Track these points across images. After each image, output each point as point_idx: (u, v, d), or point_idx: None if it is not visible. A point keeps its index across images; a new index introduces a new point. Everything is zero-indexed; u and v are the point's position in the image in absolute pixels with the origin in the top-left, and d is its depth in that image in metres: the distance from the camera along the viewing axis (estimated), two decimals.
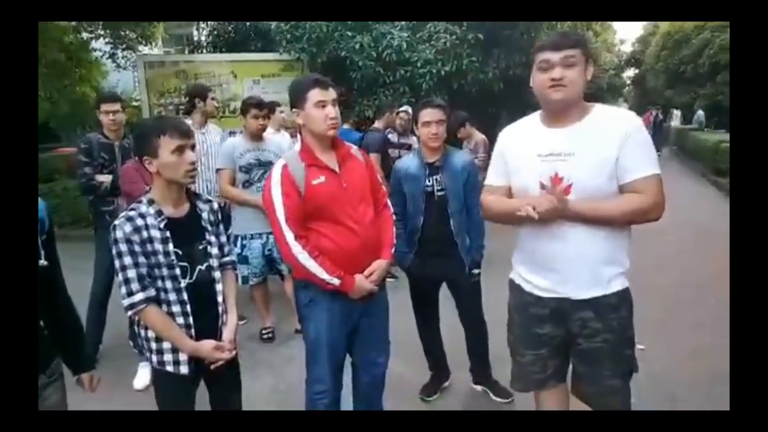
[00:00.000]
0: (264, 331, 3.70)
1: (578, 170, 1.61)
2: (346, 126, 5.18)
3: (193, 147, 1.72)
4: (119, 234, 1.64)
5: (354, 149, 2.16)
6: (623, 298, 1.72)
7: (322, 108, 1.95)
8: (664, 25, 21.04)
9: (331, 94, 1.98)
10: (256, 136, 3.48)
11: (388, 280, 3.10)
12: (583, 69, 1.61)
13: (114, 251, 1.65)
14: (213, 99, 3.92)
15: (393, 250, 2.19)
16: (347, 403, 2.27)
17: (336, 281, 1.96)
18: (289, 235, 1.93)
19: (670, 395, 2.79)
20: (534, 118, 1.79)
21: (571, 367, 1.84)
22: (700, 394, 2.79)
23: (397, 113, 4.98)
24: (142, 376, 3.05)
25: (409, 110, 5.00)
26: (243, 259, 3.48)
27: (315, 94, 1.95)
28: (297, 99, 1.99)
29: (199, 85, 4.49)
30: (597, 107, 1.69)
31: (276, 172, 1.98)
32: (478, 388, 2.88)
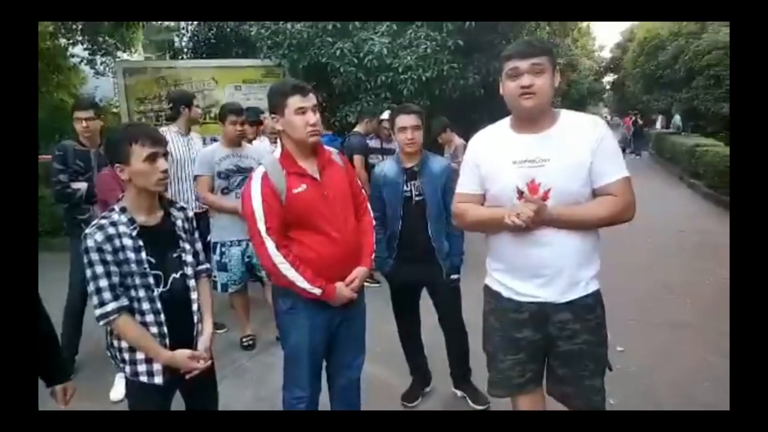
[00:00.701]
0: (245, 339, 3.67)
1: (555, 176, 1.63)
2: (328, 132, 5.21)
3: (165, 155, 1.71)
4: (90, 243, 1.61)
5: (334, 154, 2.15)
6: (597, 298, 1.76)
7: (302, 115, 1.93)
8: (640, 32, 21.50)
9: (311, 100, 1.96)
10: (235, 143, 3.46)
11: (371, 285, 3.10)
12: (551, 76, 1.64)
13: (85, 260, 1.63)
14: (197, 106, 3.92)
15: (373, 256, 2.20)
16: None
17: (317, 291, 1.95)
18: (270, 245, 1.91)
19: (647, 394, 2.84)
20: (503, 125, 1.80)
21: (546, 369, 1.86)
22: (677, 393, 2.85)
23: (380, 122, 5.00)
24: (119, 387, 2.99)
25: (387, 113, 5.04)
26: (222, 267, 3.45)
27: (295, 101, 1.92)
28: (276, 105, 1.96)
29: (184, 91, 4.47)
30: (563, 113, 1.73)
31: (256, 181, 1.95)
32: (459, 392, 2.88)
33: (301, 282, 1.93)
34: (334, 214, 2.00)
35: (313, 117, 1.95)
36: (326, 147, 2.13)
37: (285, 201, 1.92)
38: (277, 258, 1.91)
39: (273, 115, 2.01)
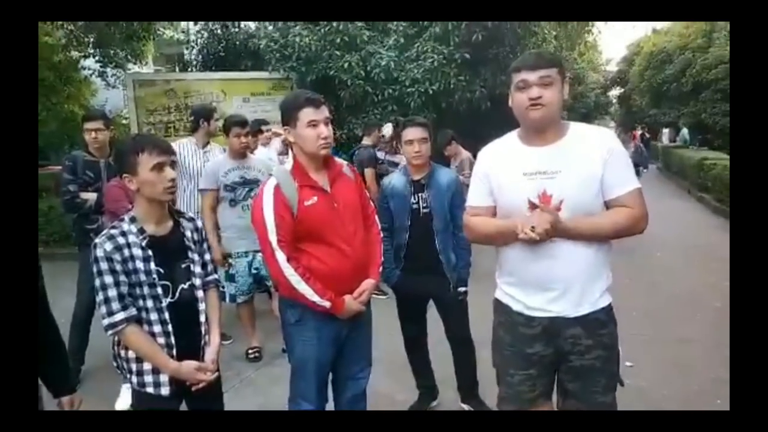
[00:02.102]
0: (250, 351, 3.65)
1: (566, 187, 1.62)
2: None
3: (173, 164, 1.71)
4: (100, 252, 1.62)
5: (345, 167, 2.16)
6: (609, 313, 1.74)
7: (314, 127, 1.93)
8: (647, 46, 21.55)
9: (324, 112, 1.96)
10: (240, 155, 3.49)
11: (378, 297, 3.07)
12: (560, 88, 1.64)
13: (94, 270, 1.63)
14: (216, 120, 3.99)
15: (381, 268, 2.19)
16: None
17: (327, 304, 1.94)
18: (281, 257, 1.91)
19: (656, 409, 2.79)
20: (512, 138, 1.80)
21: (556, 384, 1.83)
22: (686, 408, 2.79)
23: (381, 136, 5.04)
24: (125, 398, 2.98)
25: (389, 127, 5.12)
26: (229, 278, 3.46)
27: (307, 114, 1.93)
28: (288, 117, 1.97)
29: (204, 105, 4.56)
30: (573, 125, 1.72)
31: (268, 192, 1.95)
32: (466, 407, 2.85)
33: (311, 295, 1.92)
34: (343, 227, 2.00)
35: (325, 130, 1.95)
36: (337, 159, 2.14)
37: (297, 214, 1.92)
38: (288, 270, 1.91)
39: (285, 127, 2.02)
